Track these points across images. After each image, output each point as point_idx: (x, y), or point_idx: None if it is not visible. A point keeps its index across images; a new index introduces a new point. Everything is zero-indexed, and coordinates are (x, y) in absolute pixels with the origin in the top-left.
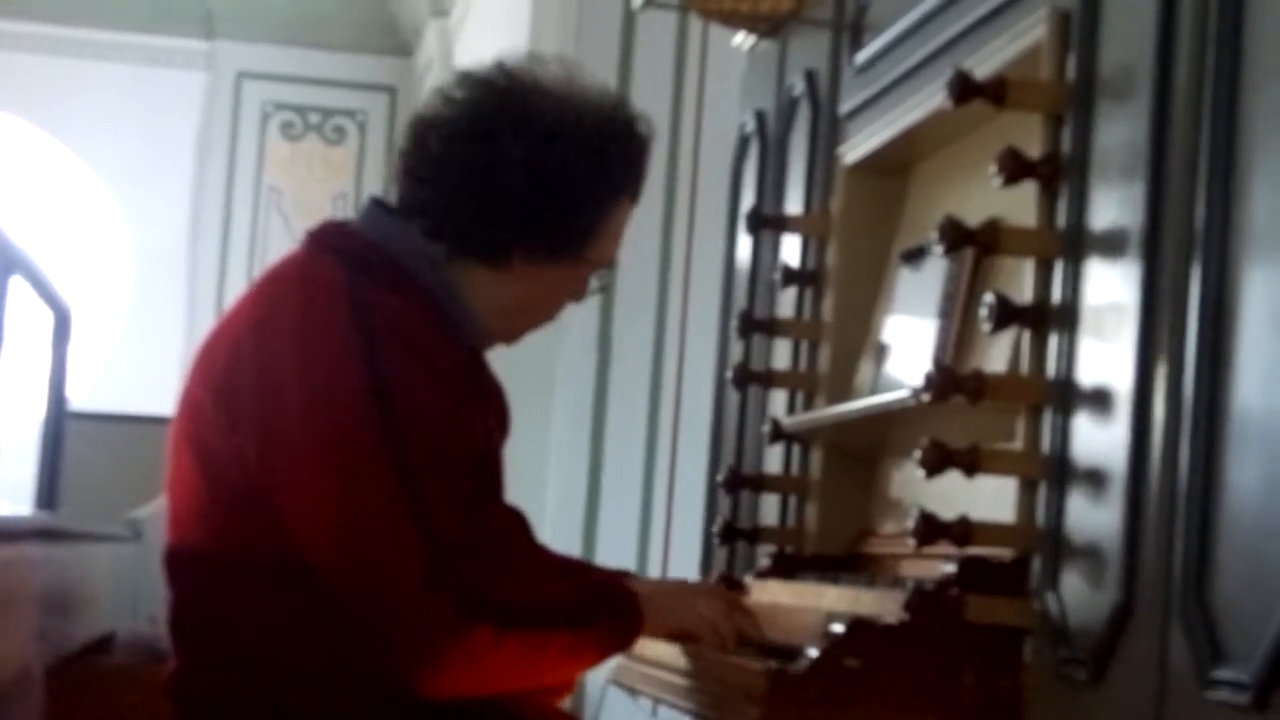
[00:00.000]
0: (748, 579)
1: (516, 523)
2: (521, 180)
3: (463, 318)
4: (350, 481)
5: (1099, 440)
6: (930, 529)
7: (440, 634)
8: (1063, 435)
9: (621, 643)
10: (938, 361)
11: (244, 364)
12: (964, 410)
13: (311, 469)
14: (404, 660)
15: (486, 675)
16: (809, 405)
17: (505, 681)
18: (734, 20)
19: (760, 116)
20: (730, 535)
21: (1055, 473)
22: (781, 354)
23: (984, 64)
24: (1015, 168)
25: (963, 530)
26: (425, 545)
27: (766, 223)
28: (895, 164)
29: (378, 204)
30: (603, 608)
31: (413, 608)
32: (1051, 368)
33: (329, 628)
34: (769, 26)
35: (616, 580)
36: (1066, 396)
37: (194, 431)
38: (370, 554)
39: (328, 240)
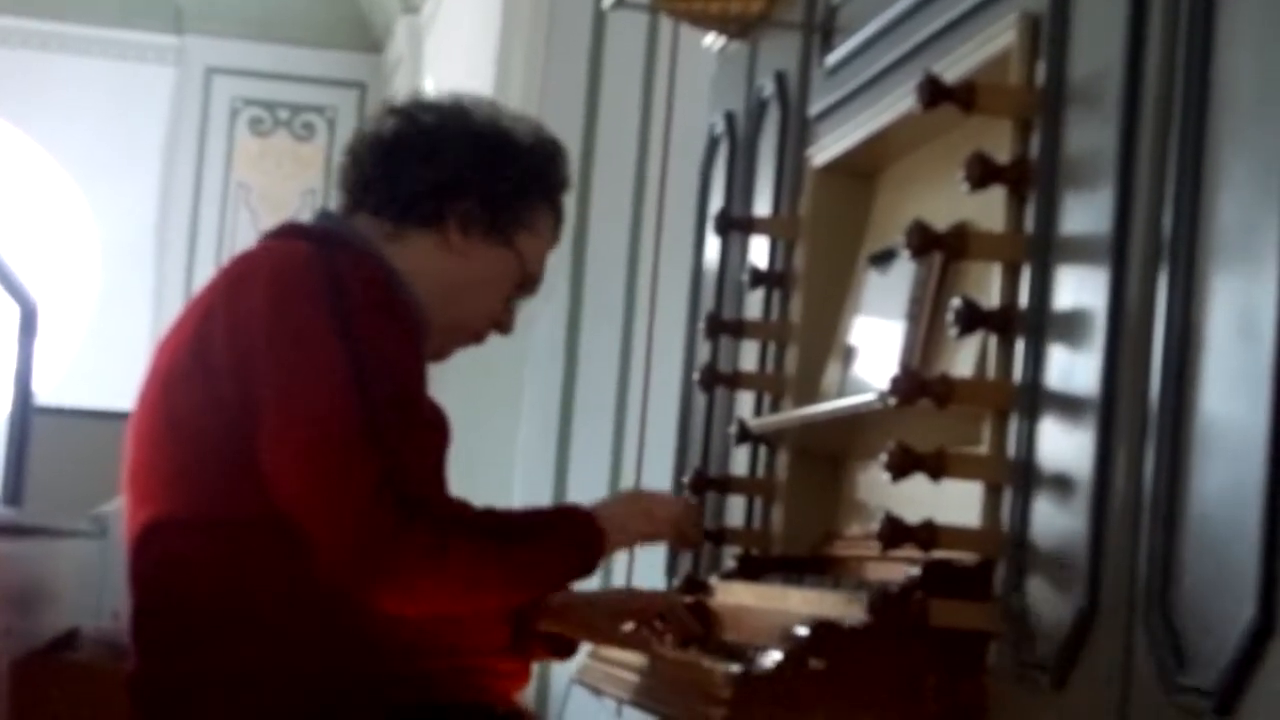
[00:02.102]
0: (713, 580)
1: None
2: (464, 146)
3: (412, 303)
4: (314, 405)
5: (1065, 445)
6: (896, 532)
7: (386, 533)
8: (1028, 440)
9: (584, 561)
10: (904, 365)
11: (216, 323)
12: (930, 414)
13: (280, 398)
14: (356, 571)
15: (440, 584)
16: (776, 407)
17: (461, 594)
18: (704, 21)
19: (730, 118)
20: None
21: (1021, 477)
22: (749, 356)
23: (954, 68)
24: (983, 172)
25: (928, 534)
26: (381, 462)
27: (735, 224)
28: (864, 167)
29: (326, 210)
30: (561, 524)
31: (361, 512)
32: (1018, 372)
33: (303, 590)
34: (739, 28)
35: (571, 506)
36: (1032, 401)
37: (166, 400)
38: (328, 470)
39: (287, 230)
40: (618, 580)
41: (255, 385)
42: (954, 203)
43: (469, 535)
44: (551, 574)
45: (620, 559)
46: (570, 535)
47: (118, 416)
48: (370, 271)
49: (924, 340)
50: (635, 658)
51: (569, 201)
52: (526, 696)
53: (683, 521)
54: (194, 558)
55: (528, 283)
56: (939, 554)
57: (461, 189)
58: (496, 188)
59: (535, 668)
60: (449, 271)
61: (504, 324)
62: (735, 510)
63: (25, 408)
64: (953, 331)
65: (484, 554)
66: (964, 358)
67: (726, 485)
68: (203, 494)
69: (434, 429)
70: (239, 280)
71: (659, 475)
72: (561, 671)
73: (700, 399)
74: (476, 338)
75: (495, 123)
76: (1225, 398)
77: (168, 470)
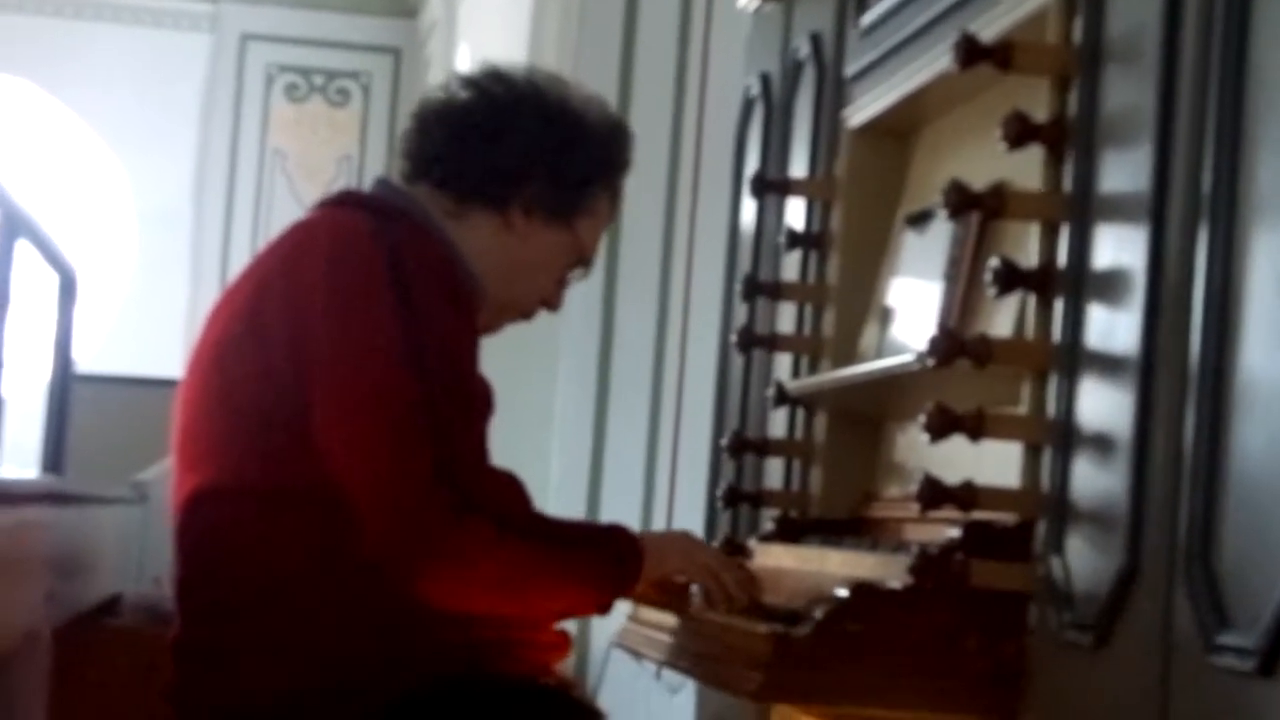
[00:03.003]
0: (751, 543)
1: (516, 487)
2: (529, 124)
3: (467, 277)
4: (371, 386)
5: (1104, 404)
6: (935, 493)
7: (441, 525)
8: (1068, 400)
9: (619, 579)
10: (943, 325)
11: (273, 293)
12: (969, 374)
13: (336, 376)
14: (406, 556)
15: (485, 580)
16: (813, 369)
17: (504, 593)
18: None
19: (765, 79)
20: (734, 499)
21: (1060, 437)
22: (786, 318)
23: (990, 27)
24: (1021, 131)
25: (967, 495)
26: (436, 448)
27: (771, 186)
28: (901, 127)
29: (385, 180)
30: (603, 540)
31: (418, 501)
32: (1057, 332)
33: (348, 563)
34: None
35: (618, 526)
36: (1072, 361)
37: (218, 369)
38: (383, 451)
39: (345, 199)
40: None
41: (309, 359)
42: (991, 162)
43: (519, 538)
44: (584, 588)
45: (660, 519)
46: (610, 553)
47: (157, 383)
48: (429, 247)
49: (962, 301)
50: (674, 620)
51: None
52: (565, 661)
53: (722, 573)
54: (241, 527)
55: (582, 263)
56: (978, 515)
57: (528, 173)
58: (562, 173)
59: (574, 632)
60: (507, 252)
61: (553, 302)
62: (773, 472)
63: (65, 375)
64: (991, 291)
65: (531, 556)
66: (1002, 318)
67: (764, 447)
68: (251, 464)
69: (482, 404)
70: (297, 250)
71: (697, 437)
72: (600, 635)
73: (738, 361)
74: (526, 315)
75: (566, 104)
76: (1265, 354)
77: (217, 438)
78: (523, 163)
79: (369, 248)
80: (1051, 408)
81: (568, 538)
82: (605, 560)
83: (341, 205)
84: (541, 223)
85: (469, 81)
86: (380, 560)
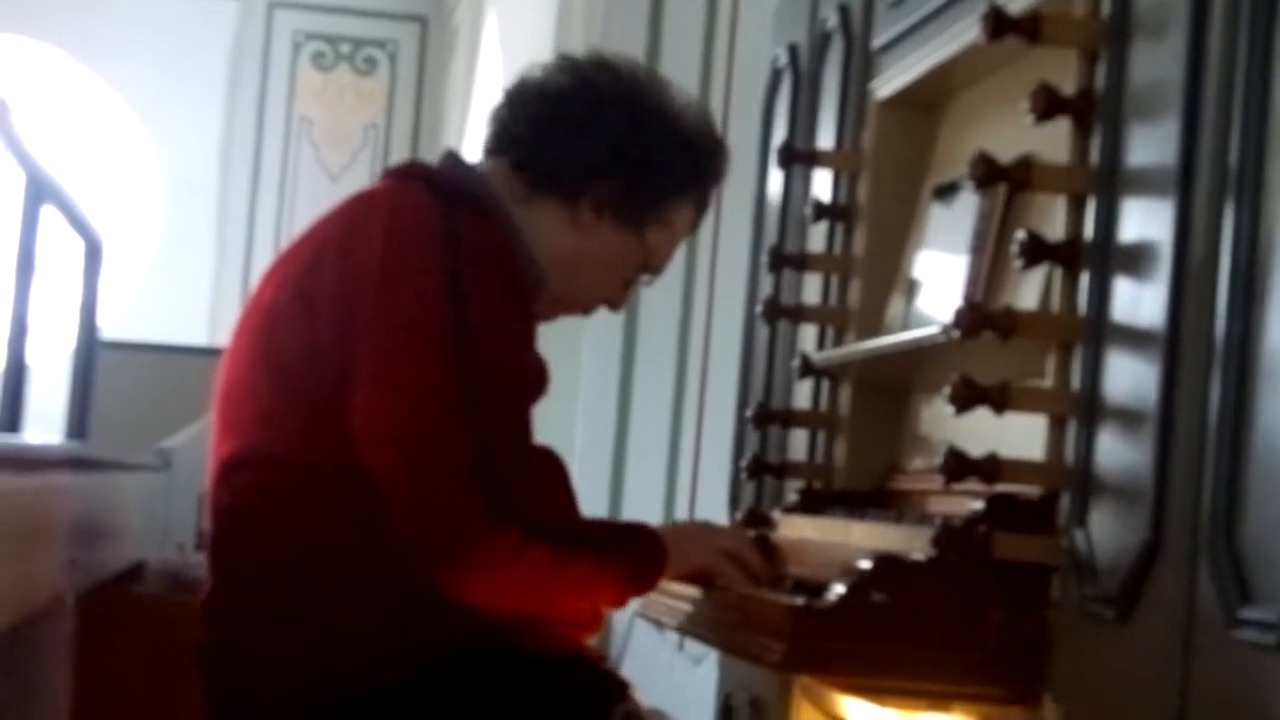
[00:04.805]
0: (775, 514)
1: (555, 464)
2: (619, 123)
3: (530, 263)
4: (412, 378)
5: (1129, 377)
6: (959, 466)
7: (471, 530)
8: (1093, 373)
9: (644, 578)
10: (968, 298)
11: (327, 266)
12: (994, 347)
13: (378, 363)
14: (430, 553)
15: (510, 583)
16: (839, 341)
17: (527, 595)
18: None
19: (793, 50)
20: (758, 470)
21: (1085, 410)
22: (812, 289)
23: None
24: (1048, 104)
25: (991, 467)
26: (473, 448)
27: (798, 157)
28: (928, 99)
29: (454, 154)
30: (630, 541)
31: (450, 503)
32: (1083, 305)
33: (378, 538)
34: None
35: (643, 526)
36: (1097, 334)
37: (266, 334)
38: (420, 448)
39: (412, 171)
40: (680, 513)
41: (356, 340)
42: (1018, 135)
43: (550, 540)
44: (609, 588)
45: (685, 490)
46: (639, 555)
47: (182, 350)
48: (489, 233)
49: (988, 273)
50: (697, 591)
51: None
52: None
53: (745, 554)
54: (274, 496)
55: (651, 270)
56: (1002, 488)
57: (605, 172)
58: (640, 178)
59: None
60: (572, 247)
61: (616, 302)
62: (798, 444)
63: (90, 343)
64: (1017, 264)
65: (556, 561)
66: (1028, 291)
67: (789, 419)
68: (288, 435)
69: (533, 390)
70: (355, 224)
71: (722, 408)
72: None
73: (763, 332)
74: (585, 311)
75: (660, 109)
76: None
77: (257, 406)
78: (600, 160)
79: (427, 231)
80: (1076, 381)
81: (594, 541)
82: (630, 565)
83: (406, 179)
84: (611, 224)
85: (569, 65)
86: (411, 555)
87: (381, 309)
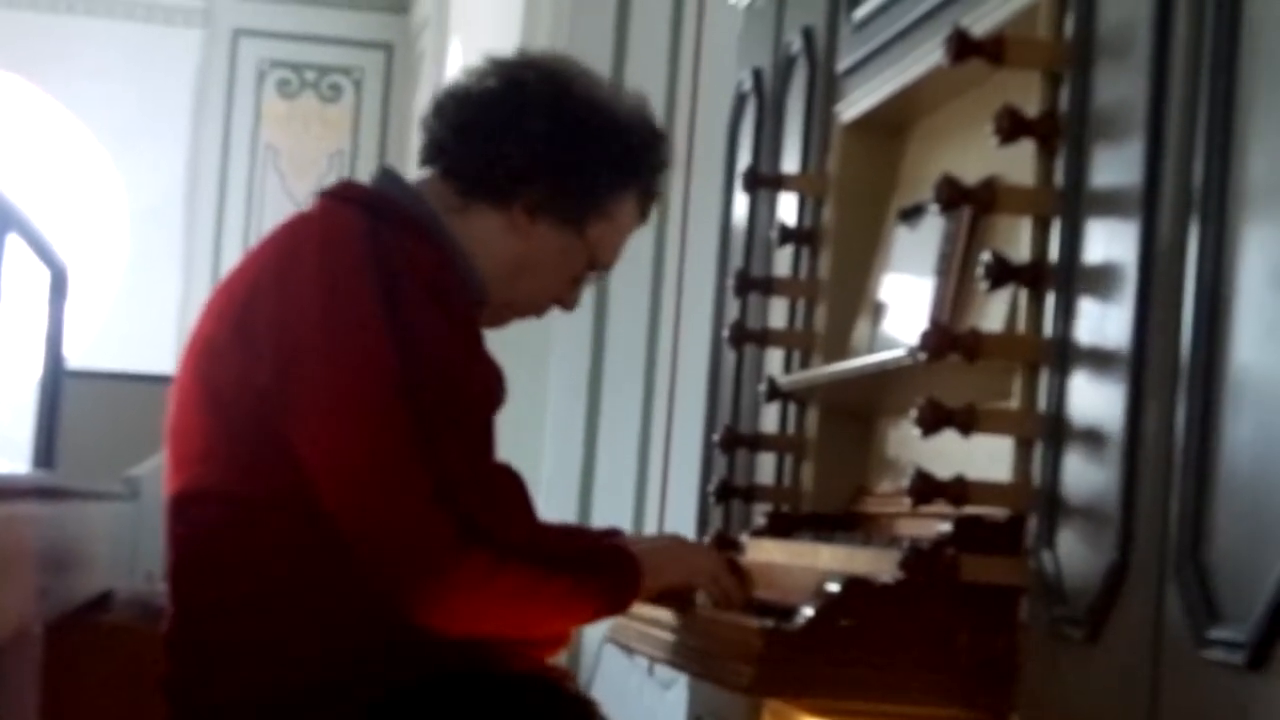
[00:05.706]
0: (743, 538)
1: (514, 482)
2: (542, 122)
3: (469, 276)
4: (364, 411)
5: (1096, 399)
6: (926, 488)
7: (440, 555)
8: (1059, 394)
9: (618, 599)
10: (934, 320)
11: (262, 298)
12: (960, 369)
13: (326, 398)
14: (403, 584)
15: (482, 608)
16: (805, 364)
17: (500, 618)
18: None
19: (757, 74)
20: (726, 494)
21: (1051, 431)
22: (778, 313)
23: (982, 21)
24: (1013, 126)
25: (959, 489)
26: (432, 474)
27: (763, 181)
28: (893, 122)
29: (389, 170)
30: (604, 561)
31: (415, 530)
32: (1048, 326)
33: (332, 568)
34: None
35: (614, 541)
36: (1063, 355)
37: (206, 368)
38: (377, 480)
39: (344, 193)
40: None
41: (295, 374)
42: (983, 157)
43: (520, 564)
44: (583, 609)
45: (653, 514)
46: (614, 575)
47: (148, 379)
48: (422, 249)
49: (953, 295)
50: (667, 616)
51: None
52: (559, 656)
53: (720, 576)
54: (225, 530)
55: (597, 267)
56: (970, 509)
57: (535, 171)
58: (573, 173)
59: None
60: (513, 251)
61: (566, 302)
62: (765, 467)
63: (56, 371)
64: (983, 286)
65: (532, 584)
66: (994, 312)
67: (756, 442)
68: (234, 469)
69: (487, 400)
70: (288, 252)
71: (689, 433)
72: (593, 631)
73: (729, 356)
74: (537, 313)
75: (587, 103)
76: (1257, 349)
77: (201, 440)
78: (524, 162)
79: (359, 255)
80: (1043, 402)
81: (566, 560)
82: (604, 583)
83: (338, 200)
84: (549, 225)
85: (496, 68)
86: (377, 588)
87: (320, 338)
